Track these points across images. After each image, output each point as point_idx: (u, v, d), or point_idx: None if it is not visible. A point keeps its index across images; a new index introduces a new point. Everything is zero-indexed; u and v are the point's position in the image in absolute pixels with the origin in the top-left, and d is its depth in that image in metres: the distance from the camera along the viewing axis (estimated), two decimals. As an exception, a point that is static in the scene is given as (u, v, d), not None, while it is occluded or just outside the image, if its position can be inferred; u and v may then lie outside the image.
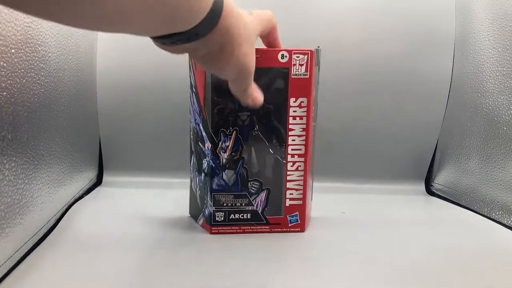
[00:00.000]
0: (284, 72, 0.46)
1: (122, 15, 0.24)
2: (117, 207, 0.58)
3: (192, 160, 0.52)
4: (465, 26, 0.69)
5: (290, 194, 0.50)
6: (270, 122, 0.47)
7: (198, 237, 0.48)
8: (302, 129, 0.48)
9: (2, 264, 0.37)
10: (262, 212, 0.49)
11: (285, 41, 0.47)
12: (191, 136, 0.52)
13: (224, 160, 0.47)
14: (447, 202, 0.68)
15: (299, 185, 0.49)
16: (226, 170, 0.48)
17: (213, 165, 0.48)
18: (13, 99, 0.38)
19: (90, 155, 0.66)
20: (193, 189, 0.53)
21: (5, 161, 0.37)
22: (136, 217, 0.54)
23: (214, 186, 0.48)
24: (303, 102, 0.47)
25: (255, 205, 0.49)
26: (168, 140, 0.69)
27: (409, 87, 0.71)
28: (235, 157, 0.48)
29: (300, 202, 0.50)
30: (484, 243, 0.50)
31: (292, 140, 0.48)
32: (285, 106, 0.47)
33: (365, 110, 0.71)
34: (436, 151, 0.73)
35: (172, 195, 0.61)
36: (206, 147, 0.48)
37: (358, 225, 0.54)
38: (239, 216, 0.49)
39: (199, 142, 0.49)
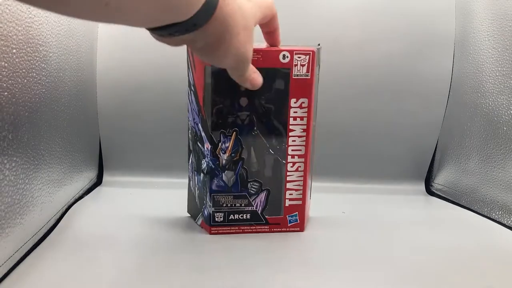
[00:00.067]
0: (285, 72, 0.46)
1: (120, 5, 0.24)
2: (117, 207, 0.58)
3: (190, 159, 0.52)
4: (465, 26, 0.69)
5: (289, 194, 0.49)
6: (270, 122, 0.47)
7: (197, 237, 0.48)
8: (302, 130, 0.48)
9: (2, 264, 0.37)
10: (261, 212, 0.49)
11: (285, 41, 0.47)
12: (190, 135, 0.52)
13: (223, 161, 0.47)
14: (447, 202, 0.68)
15: (298, 185, 0.49)
16: (226, 171, 0.48)
17: (213, 166, 0.47)
18: (14, 99, 0.38)
19: (90, 155, 0.66)
20: (192, 188, 0.53)
21: (5, 161, 0.37)
22: (136, 217, 0.54)
23: (214, 187, 0.48)
24: (304, 102, 0.47)
25: (254, 206, 0.49)
26: (168, 140, 0.69)
27: (409, 87, 0.71)
28: (235, 158, 0.47)
29: (299, 202, 0.50)
30: (484, 243, 0.50)
31: (293, 140, 0.48)
32: (286, 107, 0.47)
33: (365, 110, 0.71)
34: (436, 151, 0.73)
35: (172, 195, 0.61)
36: (205, 148, 0.48)
37: (358, 225, 0.54)
38: (238, 217, 0.49)
39: (198, 142, 0.49)
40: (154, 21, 0.29)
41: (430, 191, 0.73)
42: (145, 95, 0.69)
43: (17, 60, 0.39)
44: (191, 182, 0.53)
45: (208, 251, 0.45)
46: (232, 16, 0.33)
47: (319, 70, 0.50)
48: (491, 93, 0.61)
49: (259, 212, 0.49)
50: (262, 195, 0.49)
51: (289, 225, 0.50)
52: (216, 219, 0.49)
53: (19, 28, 0.39)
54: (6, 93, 0.37)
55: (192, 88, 0.48)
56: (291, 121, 0.47)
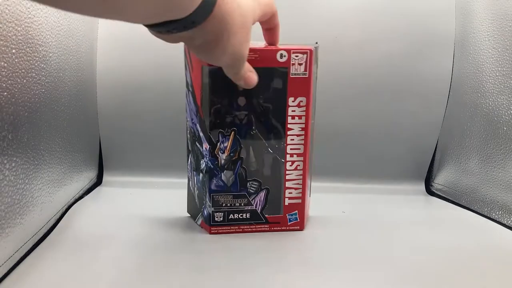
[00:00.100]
0: (283, 71, 0.46)
1: (118, 1, 0.24)
2: (117, 207, 0.58)
3: (189, 159, 0.52)
4: (465, 26, 0.69)
5: (289, 193, 0.49)
6: (269, 121, 0.47)
7: (197, 237, 0.48)
8: (301, 129, 0.48)
9: (2, 264, 0.37)
10: (261, 211, 0.49)
11: (284, 41, 0.47)
12: (188, 135, 0.51)
13: (222, 161, 0.47)
14: (447, 202, 0.68)
15: (298, 184, 0.49)
16: (225, 171, 0.48)
17: (212, 166, 0.47)
18: (13, 99, 0.38)
19: (90, 155, 0.66)
20: (191, 188, 0.53)
21: (5, 161, 0.37)
22: (136, 217, 0.54)
23: (213, 187, 0.48)
24: (302, 101, 0.47)
25: (254, 205, 0.49)
26: (168, 140, 0.69)
27: (409, 87, 0.71)
28: (234, 158, 0.47)
29: (299, 201, 0.50)
30: (484, 243, 0.50)
31: (291, 139, 0.48)
32: (284, 106, 0.47)
33: (365, 110, 0.71)
34: (436, 151, 0.73)
35: (172, 195, 0.61)
36: (204, 148, 0.48)
37: (358, 225, 0.54)
38: (238, 216, 0.49)
39: (197, 142, 0.49)
40: (153, 17, 0.29)
41: (430, 191, 0.73)
42: (145, 95, 0.69)
43: (16, 60, 0.39)
44: (190, 182, 0.53)
45: (208, 251, 0.45)
46: (231, 15, 0.33)
47: (317, 68, 0.49)
48: (491, 93, 0.61)
49: (258, 211, 0.49)
50: (262, 194, 0.49)
51: (289, 223, 0.50)
52: (216, 218, 0.49)
53: (19, 28, 0.39)
54: (5, 93, 0.37)
55: (190, 88, 0.48)
56: (290, 120, 0.47)
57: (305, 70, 0.46)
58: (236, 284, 0.38)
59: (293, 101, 0.47)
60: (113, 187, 0.67)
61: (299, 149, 0.48)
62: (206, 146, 0.47)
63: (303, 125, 0.48)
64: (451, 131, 0.70)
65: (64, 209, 0.54)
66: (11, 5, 0.38)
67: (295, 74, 0.46)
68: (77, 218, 0.52)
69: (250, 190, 0.49)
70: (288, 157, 0.48)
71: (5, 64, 0.37)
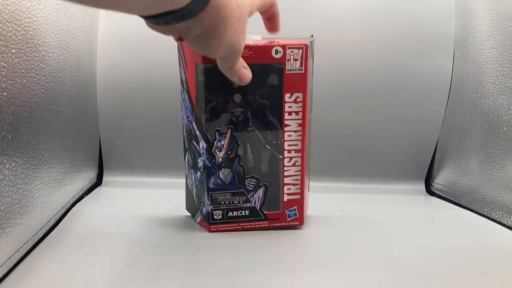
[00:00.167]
0: (279, 68, 0.45)
1: None
2: (117, 207, 0.58)
3: (186, 157, 0.52)
4: (465, 26, 0.69)
5: (287, 189, 0.49)
6: (265, 118, 0.47)
7: (198, 237, 0.48)
8: (298, 124, 0.47)
9: (2, 264, 0.37)
10: (260, 208, 0.49)
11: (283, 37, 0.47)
12: (184, 134, 0.51)
13: (220, 159, 0.47)
14: (447, 202, 0.68)
15: (296, 180, 0.49)
16: (223, 169, 0.47)
17: (209, 165, 0.47)
18: (13, 99, 0.38)
19: (90, 155, 0.66)
20: (189, 186, 0.52)
21: (5, 161, 0.37)
22: (136, 217, 0.53)
23: (211, 185, 0.48)
24: (298, 97, 0.46)
25: (253, 202, 0.49)
26: (168, 140, 0.69)
27: (409, 87, 0.71)
28: (231, 155, 0.47)
29: (298, 196, 0.50)
30: (484, 243, 0.50)
31: (288, 135, 0.48)
32: (280, 102, 0.46)
33: (365, 110, 0.71)
34: (436, 151, 0.73)
35: (172, 195, 0.61)
36: (200, 147, 0.47)
37: (358, 225, 0.54)
38: (237, 214, 0.49)
39: (193, 140, 0.48)
40: (151, 8, 0.29)
41: (430, 191, 0.73)
42: (145, 95, 0.69)
43: (16, 60, 0.39)
44: (188, 180, 0.53)
45: (208, 250, 0.45)
46: (228, 5, 0.33)
47: (313, 63, 0.49)
48: (491, 93, 0.61)
49: (257, 208, 0.49)
50: (260, 191, 0.49)
51: (288, 219, 0.50)
52: (215, 216, 0.49)
53: (18, 28, 0.39)
54: (5, 93, 0.37)
55: (185, 86, 0.48)
56: (286, 116, 0.47)
57: (301, 65, 0.45)
58: (235, 284, 0.38)
59: (289, 97, 0.46)
60: (113, 187, 0.67)
61: (296, 145, 0.48)
62: (203, 144, 0.47)
63: (300, 121, 0.47)
64: (451, 131, 0.70)
65: (64, 209, 0.54)
66: (11, 5, 0.38)
67: (291, 70, 0.45)
68: (77, 218, 0.52)
69: (249, 187, 0.48)
70: (286, 153, 0.48)
71: (5, 64, 0.37)
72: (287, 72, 0.45)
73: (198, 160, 0.48)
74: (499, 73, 0.60)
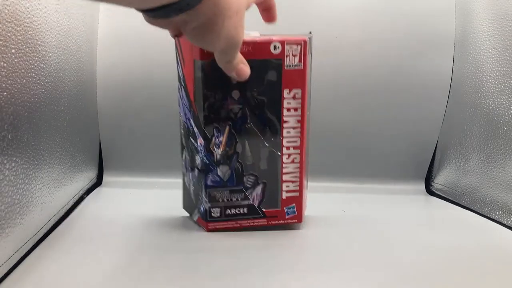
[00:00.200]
0: (277, 63, 0.45)
1: None
2: (117, 207, 0.58)
3: (183, 155, 0.51)
4: (465, 26, 0.69)
5: (286, 186, 0.49)
6: (264, 114, 0.46)
7: (197, 237, 0.48)
8: (297, 121, 0.47)
9: (2, 264, 0.37)
10: (258, 205, 0.49)
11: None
12: (182, 131, 0.50)
13: (218, 156, 0.46)
14: (447, 202, 0.68)
15: (295, 177, 0.49)
16: (221, 166, 0.47)
17: (207, 162, 0.47)
18: (13, 99, 0.38)
19: (90, 155, 0.66)
20: (187, 184, 0.52)
21: (5, 161, 0.37)
22: (136, 217, 0.53)
23: (209, 183, 0.47)
24: (297, 93, 0.46)
25: (251, 199, 0.48)
26: (168, 140, 0.69)
27: (409, 87, 0.71)
28: (229, 152, 0.47)
29: (296, 194, 0.49)
30: (484, 243, 0.50)
31: (287, 132, 0.47)
32: (279, 98, 0.46)
33: (365, 110, 0.71)
34: (436, 151, 0.73)
35: (172, 195, 0.61)
36: (198, 143, 0.47)
37: (358, 225, 0.54)
38: (235, 211, 0.49)
39: (191, 138, 0.48)
40: (149, 1, 0.29)
41: (430, 191, 0.73)
42: (145, 95, 0.69)
43: (16, 60, 0.39)
44: (185, 178, 0.52)
45: (208, 251, 0.45)
46: None
47: (311, 59, 0.49)
48: (491, 93, 0.61)
49: (256, 205, 0.49)
50: (259, 188, 0.48)
51: (286, 217, 0.50)
52: (213, 214, 0.48)
53: (18, 29, 0.39)
54: (5, 93, 0.37)
55: (182, 82, 0.47)
56: (285, 112, 0.46)
57: (300, 61, 0.45)
58: (235, 285, 0.38)
59: (288, 93, 0.46)
60: (113, 187, 0.67)
61: (295, 141, 0.48)
62: (200, 141, 0.46)
63: (299, 118, 0.47)
64: (451, 131, 0.70)
65: (64, 209, 0.54)
66: (11, 5, 0.38)
67: (289, 66, 0.45)
68: (77, 219, 0.52)
69: (247, 185, 0.48)
70: (284, 150, 0.48)
71: (5, 64, 0.37)
72: (285, 68, 0.45)
73: (196, 157, 0.48)
74: (499, 73, 0.60)
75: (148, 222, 0.52)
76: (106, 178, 0.70)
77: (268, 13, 0.45)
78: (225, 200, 0.48)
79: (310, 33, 0.48)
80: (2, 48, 0.36)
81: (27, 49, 0.41)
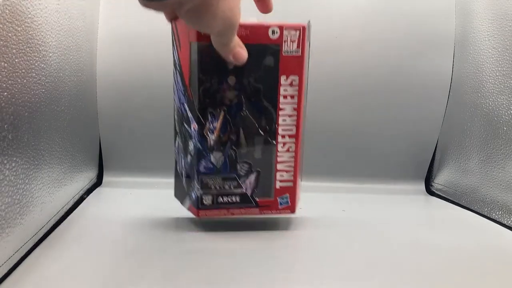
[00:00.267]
0: (275, 49, 0.44)
1: None
2: (117, 207, 0.58)
3: (176, 141, 0.50)
4: (465, 26, 0.69)
5: (280, 176, 0.48)
6: (260, 102, 0.45)
7: (197, 238, 0.48)
8: (293, 109, 0.46)
9: (2, 264, 0.37)
10: (251, 194, 0.48)
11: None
12: (175, 116, 0.49)
13: (211, 142, 0.45)
14: (447, 202, 0.68)
15: (289, 166, 0.48)
16: (214, 152, 0.46)
17: (200, 147, 0.45)
18: (14, 99, 0.38)
19: (90, 155, 0.66)
20: (178, 171, 0.51)
21: (5, 161, 0.37)
22: (136, 217, 0.53)
23: (202, 169, 0.46)
24: (294, 80, 0.45)
25: (244, 188, 0.47)
26: (168, 140, 0.69)
27: (409, 87, 0.71)
28: (224, 139, 0.46)
29: (290, 184, 0.48)
30: (484, 243, 0.50)
31: (283, 120, 0.46)
32: (276, 85, 0.45)
33: (365, 110, 0.71)
34: (436, 151, 0.73)
35: (172, 195, 0.61)
36: (192, 129, 0.46)
37: (358, 225, 0.54)
38: (227, 199, 0.47)
39: (185, 123, 0.47)
40: None
41: (430, 191, 0.73)
42: (145, 95, 0.69)
43: (16, 60, 0.39)
44: (177, 165, 0.51)
45: (208, 253, 0.45)
46: None
47: (309, 47, 0.48)
48: (491, 93, 0.61)
49: (249, 194, 0.48)
50: (252, 177, 0.47)
51: (279, 207, 0.49)
52: (204, 202, 0.47)
53: (19, 29, 0.39)
54: (5, 93, 0.37)
55: (178, 67, 0.46)
56: (281, 99, 0.45)
57: (298, 47, 0.44)
58: (234, 285, 0.38)
59: (285, 80, 0.45)
60: (113, 187, 0.67)
61: (291, 130, 0.47)
62: (194, 126, 0.45)
63: (295, 105, 0.46)
64: (451, 131, 0.70)
65: (64, 209, 0.54)
66: (11, 5, 0.38)
67: (287, 52, 0.44)
68: (78, 219, 0.52)
69: (240, 173, 0.47)
70: (279, 138, 0.47)
71: (5, 64, 0.37)
72: (283, 54, 0.44)
73: (189, 142, 0.47)
74: (499, 73, 0.60)
75: (148, 222, 0.52)
76: (106, 178, 0.70)
77: (263, 3, 0.44)
78: (218, 187, 0.47)
79: (309, 22, 0.46)
80: (3, 48, 0.36)
81: (28, 49, 0.41)
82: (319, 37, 0.71)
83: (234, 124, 0.45)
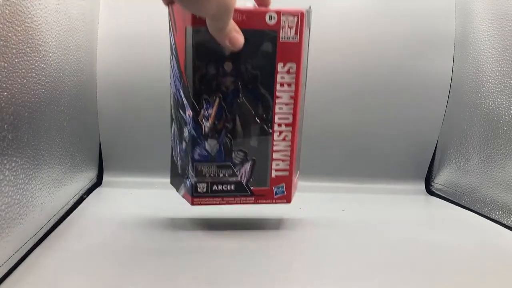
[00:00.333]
0: (272, 35, 0.42)
1: None
2: (117, 207, 0.58)
3: (172, 128, 0.50)
4: (465, 26, 0.69)
5: (276, 165, 0.47)
6: (256, 89, 0.44)
7: (197, 238, 0.48)
8: (290, 97, 0.45)
9: (2, 264, 0.37)
10: (246, 183, 0.47)
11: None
12: (171, 103, 0.49)
13: (206, 129, 0.45)
14: (447, 202, 0.68)
15: (285, 155, 0.47)
16: (209, 139, 0.45)
17: (195, 134, 0.45)
18: (13, 99, 0.38)
19: (90, 155, 0.66)
20: (174, 158, 0.50)
21: (5, 161, 0.37)
22: (136, 217, 0.54)
23: (196, 156, 0.45)
24: (291, 68, 0.44)
25: (239, 176, 0.47)
26: (168, 140, 0.69)
27: (409, 87, 0.71)
28: (219, 126, 0.45)
29: (286, 173, 0.48)
30: (484, 243, 0.50)
31: (279, 108, 0.45)
32: (273, 72, 0.44)
33: (365, 110, 0.71)
34: (436, 151, 0.73)
35: (172, 195, 0.61)
36: (187, 115, 0.45)
37: (358, 225, 0.54)
38: (222, 188, 0.47)
39: (180, 109, 0.46)
40: None
41: (430, 191, 0.73)
42: (145, 95, 0.69)
43: (16, 60, 0.39)
44: (173, 152, 0.50)
45: (208, 252, 0.45)
46: None
47: (309, 34, 0.47)
48: (491, 93, 0.61)
49: (244, 183, 0.47)
50: (247, 165, 0.47)
51: (275, 197, 0.48)
52: (199, 189, 0.46)
53: (19, 29, 0.39)
54: (5, 93, 0.37)
55: (174, 52, 0.46)
56: (278, 87, 0.44)
57: (296, 33, 0.43)
58: (234, 286, 0.38)
59: (282, 67, 0.44)
60: (113, 187, 0.67)
61: (287, 118, 0.46)
62: (189, 113, 0.44)
63: (292, 93, 0.45)
64: (451, 131, 0.70)
65: (64, 209, 0.54)
66: (11, 5, 0.38)
67: (285, 38, 0.43)
68: (78, 219, 0.52)
69: (235, 161, 0.46)
70: (276, 127, 0.46)
71: (5, 64, 0.37)
72: (280, 40, 0.43)
73: (184, 129, 0.46)
74: (499, 73, 0.60)
75: (148, 222, 0.52)
76: (106, 178, 0.70)
77: None
78: (212, 175, 0.46)
79: (310, 7, 0.45)
80: (3, 48, 0.36)
81: (28, 49, 0.41)
82: (319, 37, 0.71)
83: (230, 112, 0.45)
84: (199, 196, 0.47)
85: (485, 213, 0.61)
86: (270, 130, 0.46)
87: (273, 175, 0.48)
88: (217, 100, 0.44)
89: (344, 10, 0.71)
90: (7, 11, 0.37)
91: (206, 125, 0.45)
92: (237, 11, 0.40)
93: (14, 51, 0.38)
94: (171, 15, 0.45)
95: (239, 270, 0.41)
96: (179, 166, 0.49)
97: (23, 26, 0.40)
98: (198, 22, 0.41)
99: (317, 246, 0.48)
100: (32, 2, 0.42)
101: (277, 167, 0.47)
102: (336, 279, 0.40)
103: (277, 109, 0.45)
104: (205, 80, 0.43)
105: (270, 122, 0.46)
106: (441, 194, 0.71)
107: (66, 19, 0.53)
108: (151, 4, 0.68)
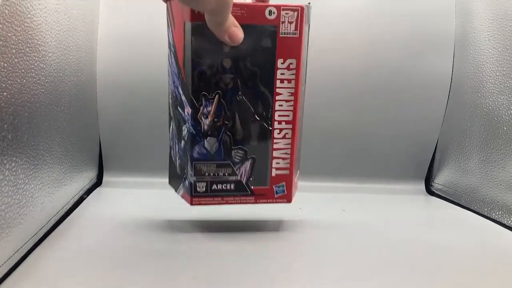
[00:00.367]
0: (272, 30, 0.42)
1: None
2: (117, 208, 0.58)
3: (171, 127, 0.49)
4: (465, 26, 0.69)
5: (276, 163, 0.47)
6: (256, 86, 0.44)
7: (197, 239, 0.48)
8: (290, 94, 0.45)
9: (2, 264, 0.37)
10: (246, 182, 0.46)
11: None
12: (170, 100, 0.48)
13: (205, 127, 0.44)
14: (447, 202, 0.68)
15: (286, 153, 0.46)
16: (208, 138, 0.44)
17: (194, 132, 0.44)
18: (13, 99, 0.38)
19: (90, 155, 0.66)
20: (173, 157, 0.50)
21: (5, 161, 0.37)
22: (136, 218, 0.54)
23: (195, 155, 0.45)
24: (291, 64, 0.44)
25: (239, 175, 0.46)
26: (168, 140, 0.69)
27: (409, 87, 0.71)
28: (218, 124, 0.44)
29: (287, 172, 0.47)
30: (484, 243, 0.50)
31: (279, 105, 0.45)
32: (272, 68, 0.43)
33: (365, 110, 0.71)
34: (436, 151, 0.73)
35: (172, 196, 0.61)
36: (186, 113, 0.44)
37: (358, 225, 0.54)
38: (222, 187, 0.46)
39: (178, 107, 0.45)
40: None
41: (430, 191, 0.73)
42: (145, 95, 0.69)
43: (16, 60, 0.39)
44: (171, 151, 0.50)
45: (208, 253, 0.45)
46: None
47: (309, 30, 0.46)
48: (491, 93, 0.61)
49: (243, 182, 0.46)
50: (247, 164, 0.46)
51: (275, 196, 0.48)
52: (198, 189, 0.46)
53: (18, 28, 0.39)
54: (5, 93, 0.37)
55: (172, 48, 0.45)
56: (278, 83, 0.44)
57: (296, 29, 0.43)
58: (234, 286, 0.38)
59: (282, 63, 0.43)
60: (113, 187, 0.67)
61: (287, 116, 0.45)
62: (188, 110, 0.44)
63: (292, 90, 0.44)
64: (451, 131, 0.70)
65: (64, 209, 0.54)
66: (11, 5, 0.38)
67: (285, 34, 0.43)
68: (78, 219, 0.52)
69: (235, 159, 0.45)
70: (276, 124, 0.45)
71: (5, 64, 0.37)
72: (280, 35, 0.42)
73: (183, 127, 0.45)
74: (499, 73, 0.60)
75: (148, 223, 0.52)
76: (106, 178, 0.70)
77: None
78: (212, 174, 0.45)
79: (309, 3, 0.45)
80: (2, 48, 0.36)
81: (27, 49, 0.41)
82: (319, 37, 0.71)
83: (230, 109, 0.44)
84: (198, 196, 0.46)
85: (485, 213, 0.61)
86: (270, 128, 0.45)
87: (273, 174, 0.47)
88: (216, 97, 0.43)
89: (344, 10, 0.71)
90: (6, 11, 0.37)
91: (205, 122, 0.44)
92: (237, 5, 0.39)
93: (13, 51, 0.38)
94: (169, 11, 0.44)
95: (239, 270, 0.41)
96: (177, 166, 0.49)
97: (22, 26, 0.40)
98: (197, 17, 0.40)
99: (317, 246, 0.48)
100: (32, 2, 0.42)
101: (277, 165, 0.47)
102: (336, 279, 0.40)
103: (277, 106, 0.45)
104: (204, 76, 0.43)
105: (270, 119, 0.45)
106: (441, 194, 0.71)
107: (66, 19, 0.53)
108: (151, 4, 0.68)
